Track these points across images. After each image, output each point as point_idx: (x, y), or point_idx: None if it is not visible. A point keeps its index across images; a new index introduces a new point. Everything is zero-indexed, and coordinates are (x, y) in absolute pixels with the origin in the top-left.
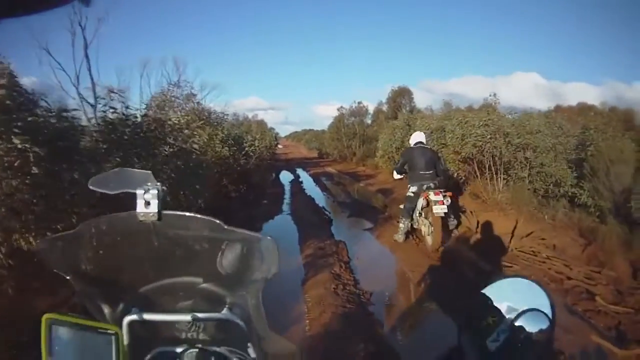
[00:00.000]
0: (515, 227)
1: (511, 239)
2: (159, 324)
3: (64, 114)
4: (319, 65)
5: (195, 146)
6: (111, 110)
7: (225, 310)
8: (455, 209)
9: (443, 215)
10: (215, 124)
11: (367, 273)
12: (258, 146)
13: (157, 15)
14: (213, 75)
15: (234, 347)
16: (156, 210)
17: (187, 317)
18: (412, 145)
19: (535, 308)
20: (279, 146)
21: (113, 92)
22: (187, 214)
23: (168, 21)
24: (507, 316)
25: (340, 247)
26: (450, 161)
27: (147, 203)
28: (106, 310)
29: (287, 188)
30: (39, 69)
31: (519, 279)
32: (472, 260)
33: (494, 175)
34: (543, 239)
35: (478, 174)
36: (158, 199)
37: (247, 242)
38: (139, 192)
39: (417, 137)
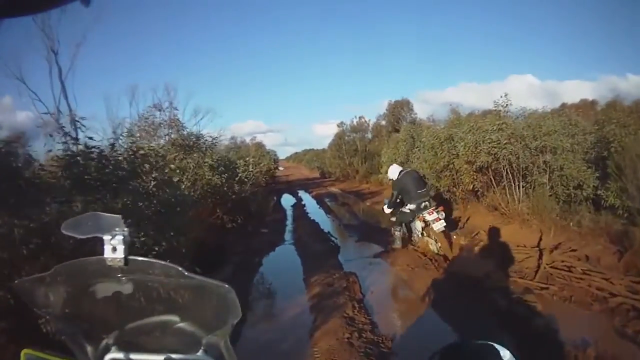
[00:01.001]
0: (540, 239)
1: (540, 254)
2: None
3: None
4: (314, 85)
5: (173, 178)
6: (72, 141)
7: (200, 352)
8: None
9: (443, 229)
10: (204, 149)
11: (384, 312)
12: (252, 171)
13: (147, 41)
14: (207, 100)
15: None
16: (122, 256)
17: (165, 357)
18: (398, 177)
19: None
20: (280, 168)
21: (77, 120)
22: (151, 260)
23: (159, 46)
24: None
25: (351, 281)
26: (463, 172)
27: (114, 249)
28: (88, 348)
29: (289, 213)
30: (18, 100)
31: (486, 342)
32: (503, 286)
33: (512, 184)
34: (573, 250)
35: (494, 183)
36: (124, 244)
37: (206, 289)
38: (106, 237)
39: (396, 168)
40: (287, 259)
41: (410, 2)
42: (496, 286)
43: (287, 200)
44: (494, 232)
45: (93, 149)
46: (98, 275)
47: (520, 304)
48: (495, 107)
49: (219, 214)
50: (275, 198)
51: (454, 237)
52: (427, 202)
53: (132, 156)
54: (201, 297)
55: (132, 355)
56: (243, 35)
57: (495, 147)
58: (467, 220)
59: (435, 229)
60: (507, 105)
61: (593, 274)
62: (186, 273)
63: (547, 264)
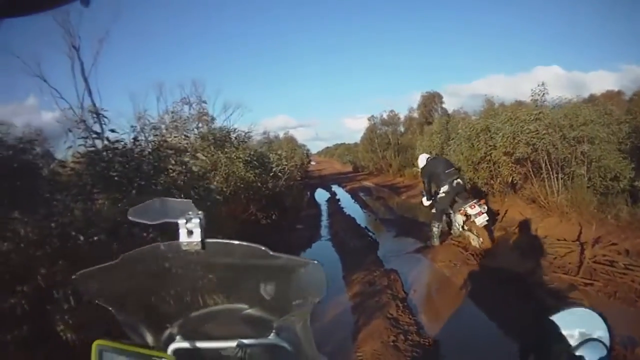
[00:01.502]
0: (580, 233)
1: (582, 249)
2: (205, 351)
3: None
4: (343, 79)
5: (195, 169)
6: (95, 137)
7: (272, 335)
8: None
9: (486, 223)
10: (236, 143)
11: (429, 311)
12: (287, 165)
13: (173, 38)
14: (236, 96)
15: None
16: (199, 239)
17: (234, 344)
18: (424, 164)
19: (595, 338)
20: (312, 163)
21: (100, 114)
22: (232, 241)
23: (187, 43)
24: (569, 345)
25: (393, 279)
26: (502, 164)
27: (190, 232)
28: (149, 339)
29: (324, 208)
30: (40, 98)
31: (581, 308)
32: (548, 282)
33: (551, 175)
34: (614, 244)
35: (533, 175)
36: (201, 228)
37: (292, 268)
38: (181, 221)
39: (424, 156)
40: (325, 255)
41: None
42: (540, 282)
43: (321, 195)
44: (533, 226)
45: (117, 144)
46: (171, 262)
47: (566, 301)
48: (532, 96)
49: (252, 210)
50: (309, 193)
51: (494, 231)
52: (458, 180)
53: (157, 150)
54: (282, 277)
55: (195, 343)
56: (271, 30)
57: (534, 138)
58: (505, 213)
59: (477, 223)
60: (543, 94)
61: (635, 268)
62: (271, 253)
63: (589, 259)
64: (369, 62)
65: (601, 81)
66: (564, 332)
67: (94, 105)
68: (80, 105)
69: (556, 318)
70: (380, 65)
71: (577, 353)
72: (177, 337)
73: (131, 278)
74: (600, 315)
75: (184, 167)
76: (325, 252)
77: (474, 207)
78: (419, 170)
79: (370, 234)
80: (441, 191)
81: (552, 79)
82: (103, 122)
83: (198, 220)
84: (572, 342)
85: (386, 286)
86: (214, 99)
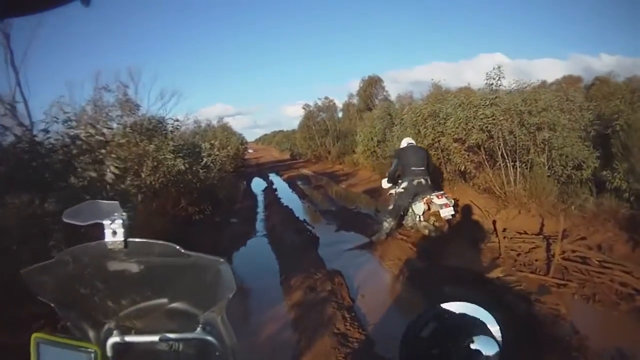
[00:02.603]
0: (542, 226)
1: (548, 244)
2: (140, 345)
3: None
4: (282, 66)
5: (111, 172)
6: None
7: (198, 330)
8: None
9: (451, 217)
10: (166, 133)
11: (381, 323)
12: (219, 154)
13: (112, 25)
14: (174, 84)
15: None
16: (122, 239)
17: (165, 338)
18: (402, 147)
19: (488, 334)
20: (249, 151)
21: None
22: (150, 240)
23: (125, 31)
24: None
25: (337, 283)
26: (454, 152)
27: (114, 232)
28: (91, 333)
29: (260, 199)
30: None
31: (470, 304)
32: (515, 284)
33: (507, 164)
34: (583, 237)
35: (488, 164)
36: (124, 228)
37: (203, 265)
38: (106, 222)
39: (407, 140)
40: (261, 255)
41: None
42: (507, 284)
43: (257, 185)
44: (490, 218)
45: (24, 140)
46: (99, 260)
47: (540, 307)
48: (487, 79)
49: (184, 204)
50: (245, 183)
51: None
52: (422, 179)
53: (68, 147)
54: (197, 274)
55: (130, 338)
56: (210, 18)
57: (489, 124)
58: (455, 203)
59: (442, 215)
60: (498, 78)
61: (611, 266)
62: (182, 251)
63: (558, 255)
64: (308, 49)
65: (548, 69)
66: (459, 324)
67: (23, 97)
68: (13, 97)
69: (450, 307)
70: (320, 52)
71: (473, 347)
72: (114, 332)
73: (67, 276)
74: (491, 312)
75: (95, 167)
76: (261, 251)
77: (441, 197)
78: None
79: (310, 227)
80: (401, 186)
81: (495, 67)
82: (14, 114)
83: (121, 221)
84: (467, 336)
85: (330, 292)
86: (150, 87)
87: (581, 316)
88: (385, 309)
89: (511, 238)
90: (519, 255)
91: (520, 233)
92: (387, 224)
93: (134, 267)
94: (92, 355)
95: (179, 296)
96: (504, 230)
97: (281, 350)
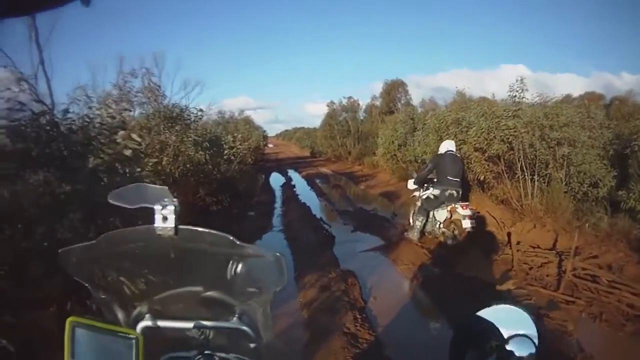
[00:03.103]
0: (556, 241)
1: (560, 260)
2: (171, 331)
3: None
4: (306, 63)
5: (128, 153)
6: (18, 106)
7: (234, 319)
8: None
9: (470, 228)
10: (188, 122)
11: (391, 326)
12: (240, 148)
13: (138, 9)
14: (198, 73)
15: (242, 354)
16: (173, 225)
17: (198, 325)
18: (441, 153)
19: (524, 334)
20: (269, 146)
21: (23, 80)
22: (203, 229)
23: (151, 15)
24: (499, 340)
25: (350, 283)
26: (474, 160)
27: (165, 218)
28: (120, 315)
29: (278, 194)
30: None
31: (508, 306)
32: (525, 297)
33: (526, 177)
34: (594, 256)
35: (506, 175)
36: (175, 215)
37: (256, 258)
38: (157, 207)
39: (448, 144)
40: (276, 250)
41: None
42: (518, 296)
43: (276, 180)
44: (505, 230)
45: (42, 117)
46: (145, 245)
47: (548, 322)
48: (510, 91)
49: (202, 194)
50: (263, 177)
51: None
52: (454, 191)
53: (87, 126)
54: (247, 266)
55: (162, 323)
56: (239, 9)
57: (510, 135)
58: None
59: (463, 226)
60: (522, 90)
61: (620, 286)
62: (238, 242)
63: (569, 272)
64: (334, 48)
65: (570, 85)
66: (493, 328)
67: (46, 76)
68: (35, 76)
69: (485, 314)
70: (345, 52)
71: (508, 347)
72: (146, 316)
73: (107, 258)
74: (528, 313)
75: (113, 148)
76: (276, 246)
77: (466, 208)
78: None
79: (326, 226)
80: (432, 192)
81: (516, 78)
82: (35, 92)
83: (173, 208)
84: (501, 338)
85: (343, 291)
86: (174, 75)
87: (587, 334)
88: (396, 312)
89: (524, 251)
90: (531, 269)
91: (534, 247)
92: (419, 222)
93: (179, 253)
94: (134, 341)
95: (219, 285)
96: (518, 243)
97: (290, 347)
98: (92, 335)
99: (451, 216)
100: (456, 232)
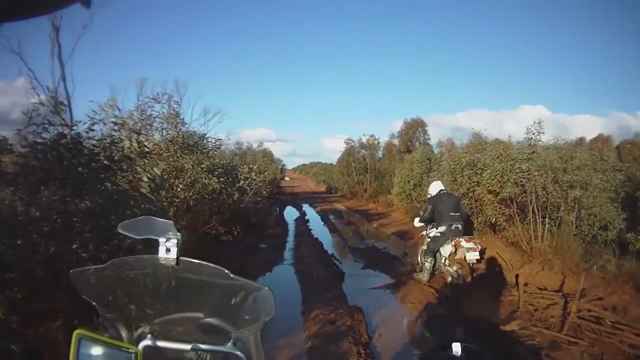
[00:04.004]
0: (563, 283)
1: (566, 302)
2: (170, 351)
3: None
4: (327, 99)
5: (145, 184)
6: (45, 125)
7: (229, 344)
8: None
9: (475, 261)
10: (206, 150)
11: None
12: (255, 179)
13: (161, 34)
14: (218, 102)
15: None
16: (175, 257)
17: (196, 348)
18: (435, 193)
19: None
20: (286, 178)
21: (59, 102)
22: (201, 262)
23: (174, 42)
24: None
25: (357, 319)
26: (486, 203)
27: (168, 250)
28: (124, 334)
29: (291, 228)
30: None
31: (466, 344)
32: (529, 337)
33: (537, 219)
34: (600, 298)
35: (518, 218)
36: (177, 247)
37: (248, 290)
38: (162, 239)
39: (438, 185)
40: (285, 283)
41: (425, 27)
42: (521, 337)
43: (290, 213)
44: (513, 271)
45: (66, 135)
46: (148, 271)
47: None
48: (526, 134)
49: (214, 223)
50: (278, 209)
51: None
52: (459, 225)
53: (110, 150)
54: (240, 296)
55: (162, 344)
56: (262, 42)
57: (523, 178)
58: (482, 254)
59: (467, 259)
60: (539, 133)
61: (624, 327)
62: (232, 275)
63: (574, 313)
64: (354, 85)
65: (586, 126)
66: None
67: (66, 92)
68: (55, 90)
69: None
70: (365, 88)
71: None
72: (148, 336)
73: (115, 281)
74: (482, 353)
75: (133, 173)
76: (286, 279)
77: (469, 241)
78: (428, 195)
79: (337, 263)
80: (438, 230)
81: (536, 119)
82: (61, 111)
83: (176, 241)
84: None
85: (349, 327)
86: (194, 102)
87: None
88: (400, 348)
89: (531, 293)
90: (536, 310)
91: (541, 289)
92: (429, 263)
93: (179, 282)
94: (133, 356)
95: (216, 312)
96: (526, 284)
97: None
98: (96, 348)
99: (456, 250)
100: (460, 271)
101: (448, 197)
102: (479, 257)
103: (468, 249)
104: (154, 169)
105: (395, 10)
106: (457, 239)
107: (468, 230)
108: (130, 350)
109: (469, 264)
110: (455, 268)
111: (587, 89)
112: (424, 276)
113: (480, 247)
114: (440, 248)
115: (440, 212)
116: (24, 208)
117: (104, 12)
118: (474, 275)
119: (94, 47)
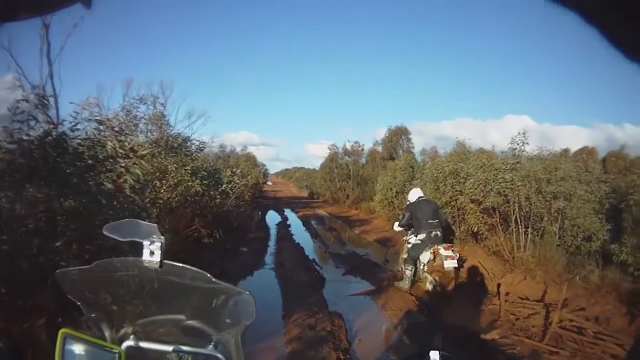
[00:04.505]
0: (545, 293)
1: (547, 311)
2: (152, 352)
3: None
4: (311, 104)
5: (128, 184)
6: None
7: (210, 347)
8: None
9: (453, 269)
10: (188, 153)
11: None
12: (238, 183)
13: (148, 35)
14: (202, 105)
15: None
16: (158, 260)
17: (177, 349)
18: (414, 200)
19: None
20: (268, 183)
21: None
22: (184, 265)
23: (161, 45)
24: None
25: (337, 324)
26: (469, 212)
27: (152, 253)
28: (107, 334)
29: (273, 232)
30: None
31: (442, 352)
32: (509, 347)
33: (519, 229)
34: (582, 308)
35: (500, 227)
36: (161, 250)
37: (229, 294)
38: (146, 242)
39: (417, 192)
40: (266, 288)
41: (412, 34)
42: (501, 346)
43: (272, 218)
44: (495, 280)
45: (51, 132)
46: (132, 273)
47: None
48: (511, 144)
49: (197, 225)
50: (260, 214)
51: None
52: (437, 232)
53: (94, 149)
54: (222, 300)
55: (145, 344)
56: (247, 45)
57: (507, 188)
58: (463, 262)
59: (445, 266)
60: (523, 144)
61: (605, 337)
62: (213, 279)
63: (556, 324)
64: (339, 91)
65: (572, 137)
66: None
67: (54, 90)
68: (42, 88)
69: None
70: (349, 95)
71: None
72: (131, 337)
73: (100, 282)
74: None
75: (117, 174)
76: (267, 283)
77: (448, 249)
78: (407, 202)
79: (318, 268)
80: (417, 238)
81: (520, 129)
82: (45, 108)
83: (159, 244)
84: None
85: (329, 332)
86: (179, 104)
87: None
88: (379, 355)
89: (513, 302)
90: (517, 319)
91: (522, 298)
92: (409, 271)
93: (162, 284)
94: (116, 356)
95: (197, 315)
96: (507, 294)
97: None
98: (80, 347)
99: (434, 258)
100: (437, 278)
101: (427, 204)
102: (457, 265)
103: (446, 257)
104: (136, 169)
105: (381, 16)
106: (436, 247)
107: (448, 238)
108: (114, 350)
109: (448, 271)
110: (433, 276)
111: (574, 99)
112: (405, 284)
113: (458, 255)
114: (420, 255)
115: (419, 219)
116: (9, 205)
117: (93, 11)
118: (456, 283)
119: (83, 47)
